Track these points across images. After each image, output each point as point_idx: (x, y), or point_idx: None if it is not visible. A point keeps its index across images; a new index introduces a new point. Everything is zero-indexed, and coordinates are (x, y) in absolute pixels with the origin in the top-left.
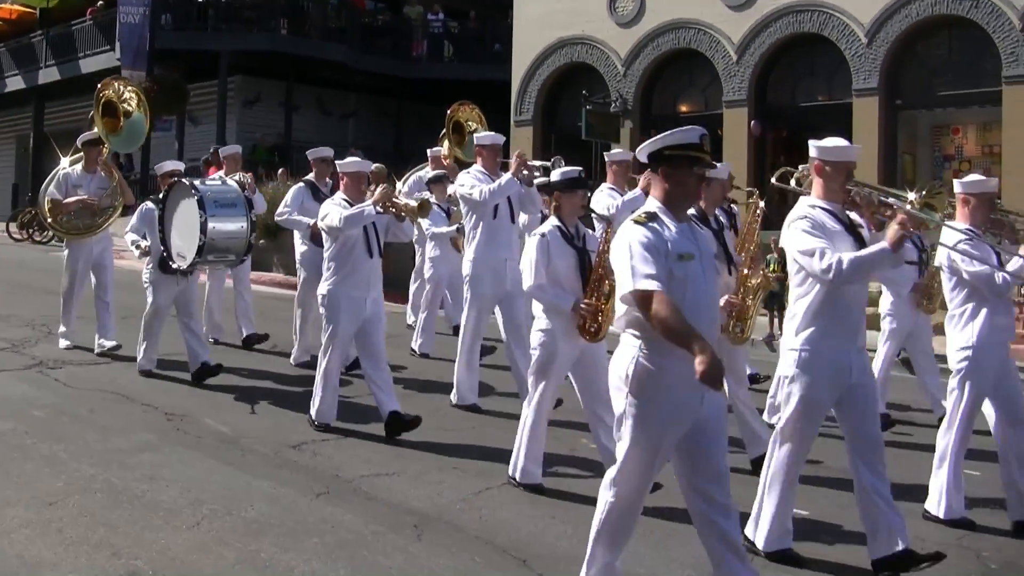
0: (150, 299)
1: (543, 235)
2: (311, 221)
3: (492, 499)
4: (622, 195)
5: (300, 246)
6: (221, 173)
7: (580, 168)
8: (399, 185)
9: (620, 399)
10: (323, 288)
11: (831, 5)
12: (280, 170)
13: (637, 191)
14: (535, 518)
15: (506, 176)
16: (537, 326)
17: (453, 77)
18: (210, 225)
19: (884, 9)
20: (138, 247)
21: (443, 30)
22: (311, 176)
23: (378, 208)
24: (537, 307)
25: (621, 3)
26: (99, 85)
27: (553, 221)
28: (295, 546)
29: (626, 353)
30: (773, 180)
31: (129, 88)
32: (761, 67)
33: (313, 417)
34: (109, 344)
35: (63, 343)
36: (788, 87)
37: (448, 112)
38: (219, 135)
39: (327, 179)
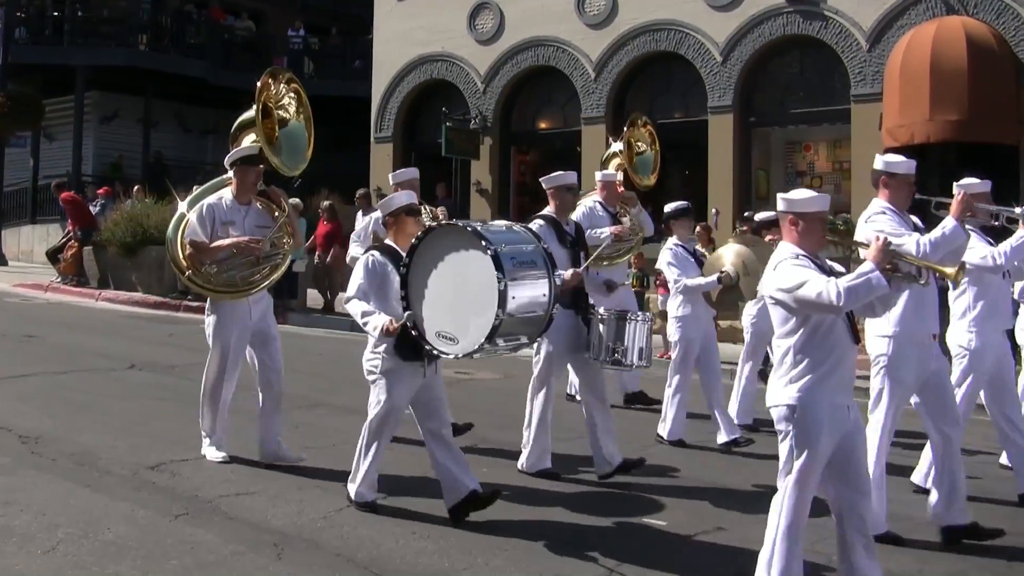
0: (381, 398)
1: None
2: (569, 275)
3: (353, 516)
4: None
5: None
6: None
7: None
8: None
9: None
10: (788, 395)
11: (687, 24)
12: (136, 187)
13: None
14: (396, 535)
15: (950, 221)
16: None
17: (314, 93)
18: (510, 295)
19: (738, 28)
20: (374, 321)
21: (303, 46)
22: (550, 210)
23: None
24: None
25: (480, 21)
26: (259, 83)
27: None
28: (154, 568)
29: None
30: None
31: (291, 88)
32: (619, 84)
33: None
34: (292, 456)
35: (215, 455)
36: (645, 104)
37: (624, 129)
38: (75, 152)
39: (568, 216)
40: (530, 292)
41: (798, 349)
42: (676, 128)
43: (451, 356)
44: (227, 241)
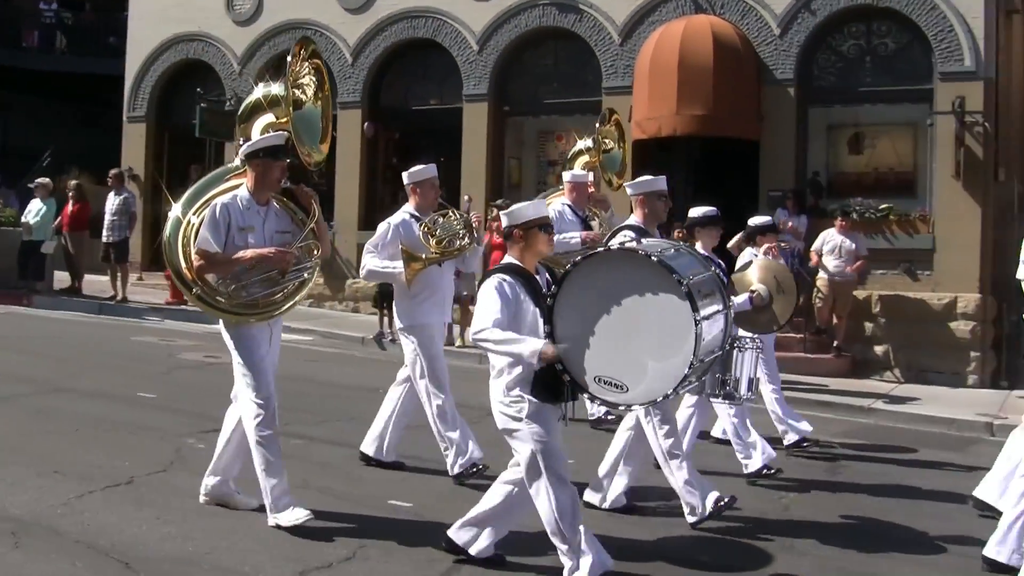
0: (534, 447)
1: None
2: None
3: (94, 503)
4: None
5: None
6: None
7: None
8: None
9: None
10: None
11: (445, 12)
12: None
13: None
14: (139, 520)
15: None
16: None
17: (66, 70)
18: (704, 336)
19: (495, 18)
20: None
21: (56, 20)
22: (636, 219)
23: None
24: None
25: (239, 2)
26: (290, 55)
27: None
28: None
29: None
30: None
31: (312, 64)
32: (376, 70)
33: None
34: (246, 502)
35: (296, 516)
36: (401, 90)
37: (597, 126)
38: None
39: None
40: (714, 330)
41: None
42: (432, 115)
43: (621, 407)
44: (250, 252)
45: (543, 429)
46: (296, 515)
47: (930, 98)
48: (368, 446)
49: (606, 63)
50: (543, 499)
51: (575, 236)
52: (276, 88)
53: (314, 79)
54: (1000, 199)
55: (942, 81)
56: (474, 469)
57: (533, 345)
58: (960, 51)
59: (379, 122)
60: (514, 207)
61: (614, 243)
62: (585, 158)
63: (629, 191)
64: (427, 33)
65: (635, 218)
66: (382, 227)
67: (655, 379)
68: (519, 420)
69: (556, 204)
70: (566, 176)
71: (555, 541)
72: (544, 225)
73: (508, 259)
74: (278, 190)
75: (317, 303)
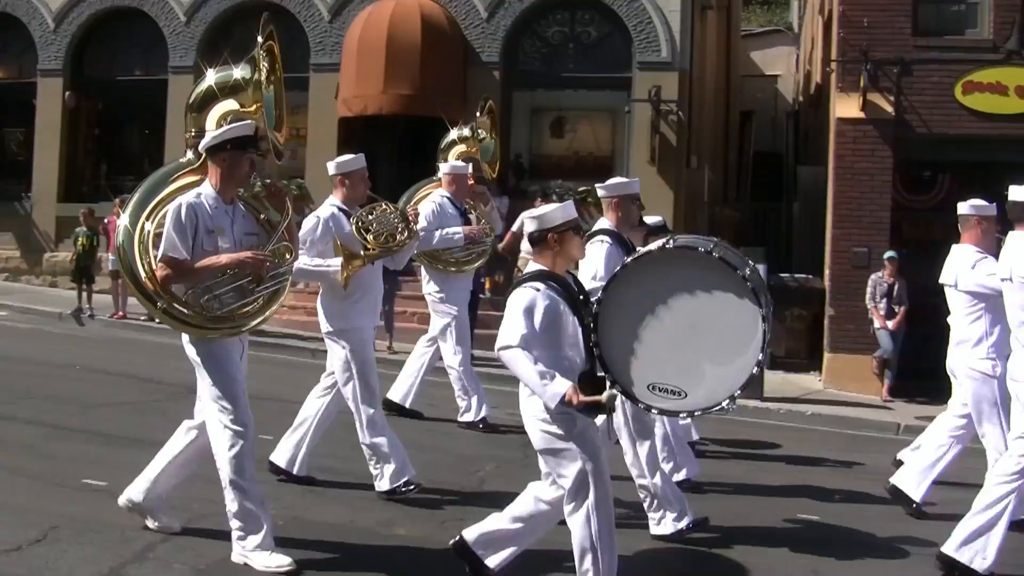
0: (588, 466)
1: None
2: None
3: None
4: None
5: None
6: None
7: None
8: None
9: None
10: None
11: None
12: None
13: None
14: None
15: None
16: None
17: None
18: (768, 336)
19: None
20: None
21: None
22: (609, 224)
23: None
24: None
25: None
26: (261, 36)
27: None
28: None
29: None
30: None
31: (266, 46)
32: (79, 38)
33: None
34: (170, 523)
35: (274, 561)
36: (106, 60)
37: (477, 116)
38: None
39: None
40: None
41: None
42: (136, 85)
43: (681, 414)
44: (225, 258)
45: (593, 447)
46: (281, 560)
47: (629, 86)
48: (280, 456)
49: (315, 39)
50: (581, 521)
51: (458, 231)
52: (239, 72)
53: (266, 63)
54: (691, 185)
55: (640, 70)
56: (409, 487)
57: (557, 387)
58: (658, 42)
59: (81, 92)
60: (542, 210)
61: (598, 245)
62: (460, 148)
63: (601, 193)
64: (133, 2)
65: (607, 222)
66: (310, 221)
67: (716, 384)
68: (566, 439)
69: (435, 196)
70: (444, 168)
71: (585, 561)
72: (576, 227)
73: (536, 266)
74: (247, 186)
75: (13, 277)
